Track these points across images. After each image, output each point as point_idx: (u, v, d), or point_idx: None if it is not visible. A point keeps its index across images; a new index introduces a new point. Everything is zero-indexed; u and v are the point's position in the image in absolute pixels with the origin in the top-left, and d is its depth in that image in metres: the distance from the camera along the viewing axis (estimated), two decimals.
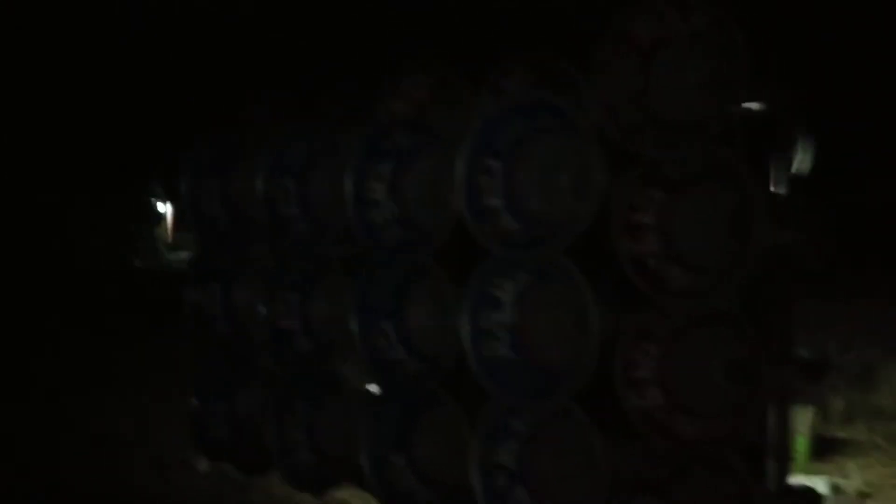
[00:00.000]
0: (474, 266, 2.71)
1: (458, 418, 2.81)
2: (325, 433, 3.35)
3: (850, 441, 5.72)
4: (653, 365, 2.65)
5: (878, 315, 8.34)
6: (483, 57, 3.10)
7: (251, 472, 3.81)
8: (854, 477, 5.00)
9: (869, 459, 5.37)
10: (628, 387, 2.61)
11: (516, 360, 2.71)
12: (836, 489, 4.69)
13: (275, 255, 3.40)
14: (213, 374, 3.75)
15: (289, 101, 3.61)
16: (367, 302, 3.01)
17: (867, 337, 7.69)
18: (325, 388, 3.29)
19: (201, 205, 3.68)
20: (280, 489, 4.01)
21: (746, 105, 2.86)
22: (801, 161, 3.08)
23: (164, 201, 20.57)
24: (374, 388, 3.18)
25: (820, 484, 4.66)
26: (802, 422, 5.37)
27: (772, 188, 2.86)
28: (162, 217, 20.81)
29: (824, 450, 5.44)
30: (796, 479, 4.48)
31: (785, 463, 3.02)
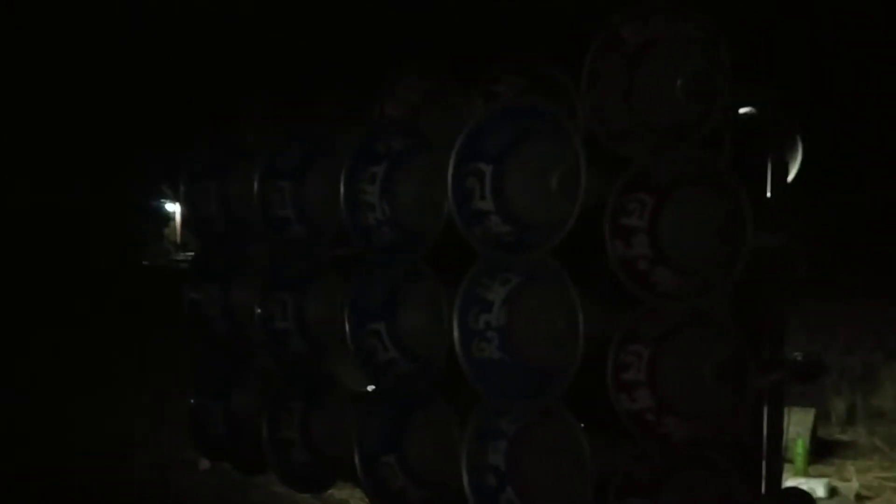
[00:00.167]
0: (466, 268, 2.74)
1: (449, 418, 2.84)
2: (319, 432, 3.38)
3: (851, 443, 5.73)
4: (643, 367, 2.67)
5: (880, 317, 8.32)
6: (479, 60, 3.12)
7: (250, 471, 3.85)
8: (853, 479, 5.01)
9: (869, 462, 5.39)
10: (619, 388, 2.63)
11: (506, 361, 2.74)
12: (834, 492, 4.70)
13: (271, 255, 3.44)
14: (211, 373, 3.78)
15: (286, 103, 3.64)
16: (360, 303, 3.04)
17: (870, 339, 7.68)
18: (320, 388, 3.32)
19: (199, 205, 3.71)
20: (280, 488, 4.05)
21: (739, 108, 2.89)
22: (793, 163, 3.10)
23: (173, 201, 20.68)
24: (371, 388, 3.22)
25: (818, 486, 4.68)
26: (803, 424, 5.38)
27: (764, 190, 2.88)
28: (171, 217, 20.92)
29: (824, 452, 5.45)
30: (793, 482, 4.50)
31: (778, 465, 3.03)
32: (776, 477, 3.00)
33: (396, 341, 3.05)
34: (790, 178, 3.09)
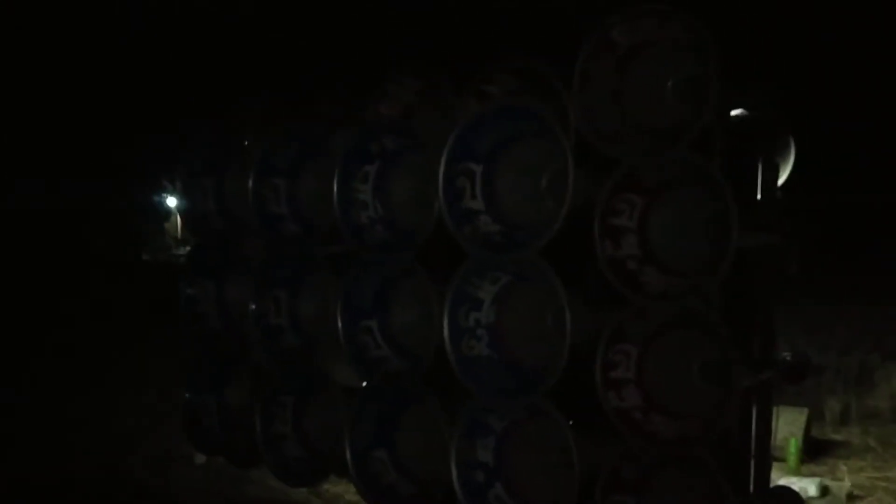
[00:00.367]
0: (457, 266, 2.77)
1: (439, 415, 2.87)
2: (312, 427, 3.42)
3: (844, 443, 5.74)
4: (631, 365, 2.70)
5: (879, 319, 8.33)
6: (472, 60, 3.14)
7: (244, 465, 3.88)
8: (845, 479, 5.02)
9: (861, 462, 5.39)
10: (607, 386, 2.66)
11: (495, 358, 2.77)
12: (826, 491, 4.71)
13: (265, 253, 3.47)
14: (206, 368, 3.82)
15: (282, 102, 3.67)
16: (352, 300, 3.07)
17: (868, 340, 7.69)
18: (313, 384, 3.35)
19: (196, 202, 3.74)
20: (276, 482, 4.07)
21: (731, 111, 2.91)
22: (785, 164, 3.12)
23: (173, 196, 20.70)
24: (363, 384, 3.24)
25: (810, 485, 4.70)
26: (796, 423, 5.40)
27: (754, 191, 2.90)
28: (171, 212, 20.93)
29: (818, 451, 5.46)
30: (785, 481, 4.52)
31: (767, 464, 3.05)
32: (765, 476, 3.02)
33: (388, 338, 3.08)
34: (782, 179, 3.11)
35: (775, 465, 3.72)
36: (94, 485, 4.94)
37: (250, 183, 3.32)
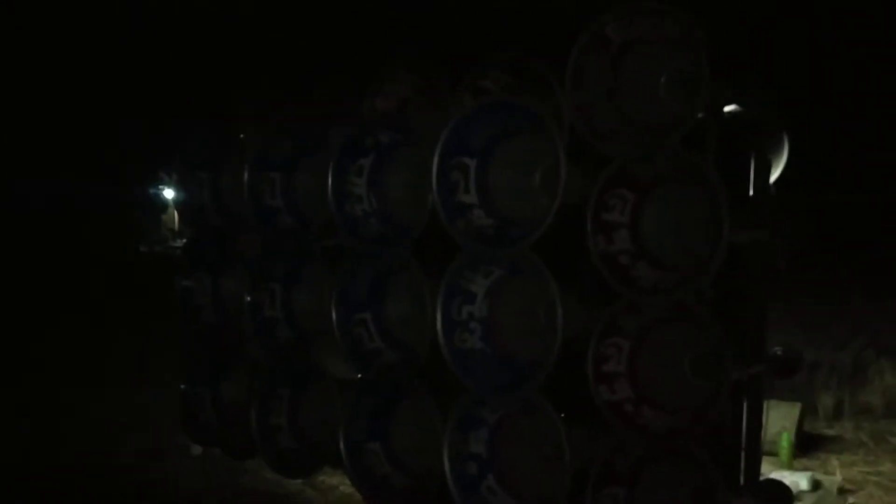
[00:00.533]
0: (451, 260, 2.78)
1: (432, 407, 2.89)
2: (307, 419, 3.44)
3: (837, 438, 5.78)
4: (623, 359, 2.72)
5: (875, 316, 8.35)
6: (467, 56, 3.15)
7: (239, 457, 3.90)
8: (837, 473, 5.06)
9: (853, 456, 5.43)
10: (599, 380, 2.68)
11: (488, 351, 2.79)
12: (817, 485, 4.74)
13: (261, 246, 3.49)
14: (202, 360, 3.84)
15: (278, 97, 3.69)
16: (347, 293, 3.09)
17: (863, 337, 7.72)
18: (308, 376, 3.37)
19: (192, 196, 3.76)
20: (271, 474, 4.09)
21: (724, 107, 2.92)
22: (779, 161, 3.14)
23: (170, 188, 20.69)
24: (357, 376, 3.27)
25: (802, 479, 4.73)
26: (789, 418, 5.44)
27: (747, 187, 2.92)
28: (168, 204, 20.93)
29: (810, 446, 5.50)
30: (777, 475, 4.55)
31: (757, 458, 3.08)
32: (755, 469, 3.05)
33: (383, 331, 3.11)
34: (776, 175, 3.13)
35: (768, 459, 3.74)
36: (91, 477, 4.96)
37: (246, 176, 3.34)
